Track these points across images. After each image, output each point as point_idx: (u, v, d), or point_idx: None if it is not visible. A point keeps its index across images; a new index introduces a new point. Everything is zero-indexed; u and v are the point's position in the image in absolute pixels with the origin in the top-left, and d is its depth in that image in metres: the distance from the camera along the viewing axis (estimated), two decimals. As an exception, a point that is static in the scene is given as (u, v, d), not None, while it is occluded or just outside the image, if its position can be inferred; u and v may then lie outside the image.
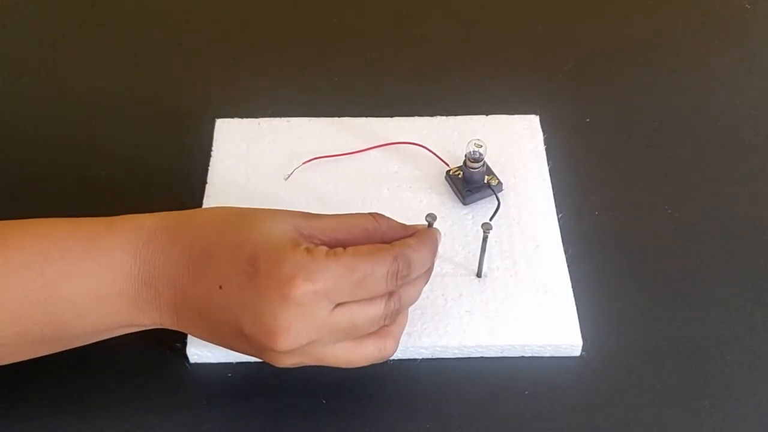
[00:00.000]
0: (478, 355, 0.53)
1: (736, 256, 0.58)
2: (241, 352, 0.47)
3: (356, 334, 0.46)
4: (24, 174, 0.63)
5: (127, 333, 0.49)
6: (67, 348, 0.48)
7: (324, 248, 0.45)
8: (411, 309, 0.54)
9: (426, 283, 0.50)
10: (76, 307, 0.45)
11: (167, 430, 0.50)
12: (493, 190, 0.59)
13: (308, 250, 0.44)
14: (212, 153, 0.63)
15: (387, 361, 0.52)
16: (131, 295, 0.46)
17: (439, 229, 0.51)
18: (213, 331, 0.46)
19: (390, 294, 0.46)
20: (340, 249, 0.45)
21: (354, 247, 0.45)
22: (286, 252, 0.44)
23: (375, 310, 0.46)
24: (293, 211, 0.47)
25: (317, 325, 0.44)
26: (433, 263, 0.50)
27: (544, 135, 0.64)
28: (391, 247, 0.46)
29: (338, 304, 0.44)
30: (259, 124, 0.65)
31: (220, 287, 0.44)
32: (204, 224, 0.47)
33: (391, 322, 0.48)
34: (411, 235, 0.48)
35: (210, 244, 0.45)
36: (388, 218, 0.49)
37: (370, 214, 0.48)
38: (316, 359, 0.46)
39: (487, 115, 0.65)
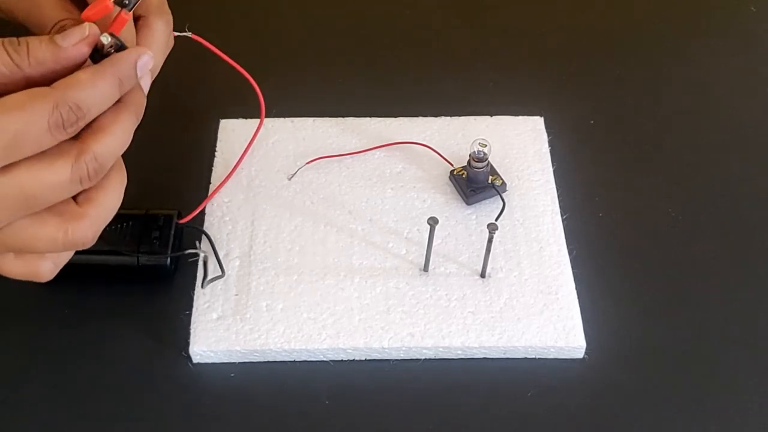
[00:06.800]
0: (482, 356, 0.53)
1: (740, 259, 0.58)
2: None
3: (39, 205, 0.38)
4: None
5: None
6: None
7: None
8: (413, 308, 0.54)
9: (133, 123, 0.41)
10: None
11: (170, 430, 0.50)
12: (497, 190, 0.59)
13: None
14: (216, 153, 0.63)
15: (389, 360, 0.53)
16: None
17: (149, 50, 0.42)
18: None
19: (79, 152, 0.38)
20: None
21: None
22: None
23: (57, 175, 0.37)
24: None
25: None
26: (139, 97, 0.41)
27: (548, 136, 0.64)
28: (52, 90, 0.36)
29: (2, 168, 0.36)
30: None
31: None
32: None
33: (93, 186, 0.39)
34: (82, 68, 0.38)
35: None
36: (37, 44, 0.37)
37: (2, 42, 0.37)
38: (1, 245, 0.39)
39: (491, 116, 0.65)
